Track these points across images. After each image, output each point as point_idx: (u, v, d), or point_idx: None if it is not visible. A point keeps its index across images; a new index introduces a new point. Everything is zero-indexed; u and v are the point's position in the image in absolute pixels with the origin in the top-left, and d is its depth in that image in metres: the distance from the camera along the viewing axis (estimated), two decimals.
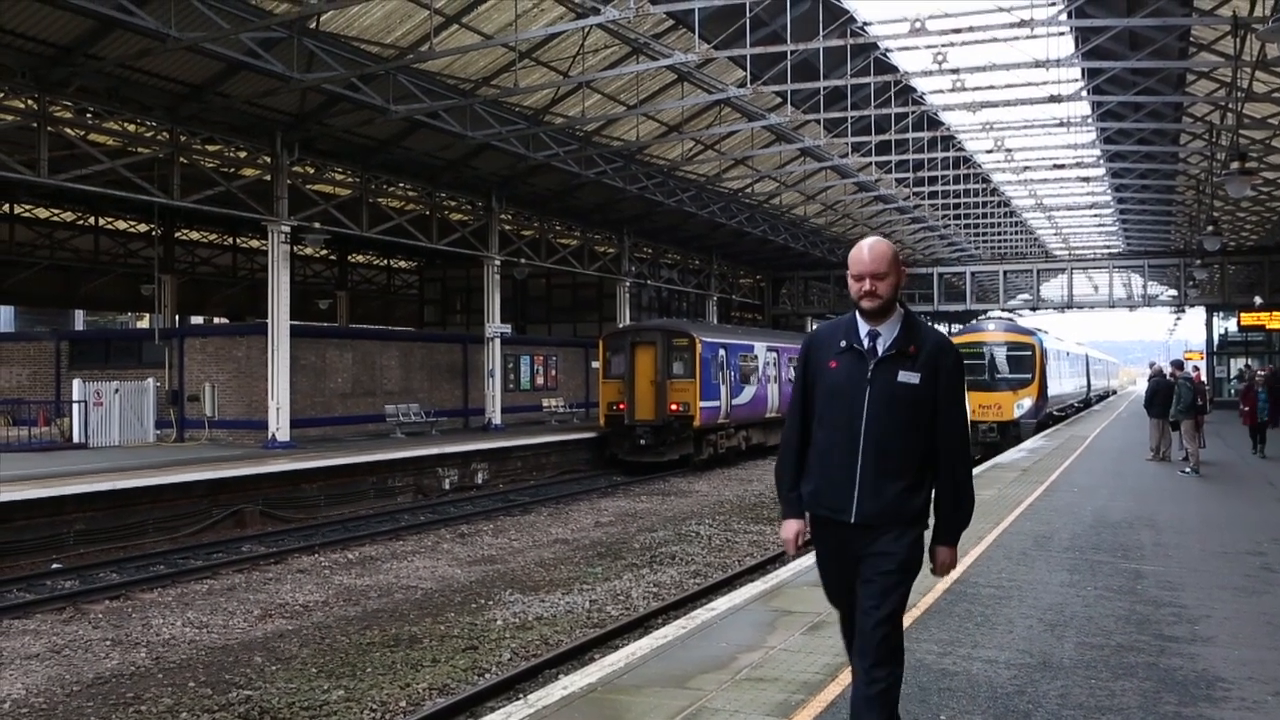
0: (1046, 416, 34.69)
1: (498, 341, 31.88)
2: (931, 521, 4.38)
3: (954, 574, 9.59)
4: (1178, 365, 23.40)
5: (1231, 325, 52.08)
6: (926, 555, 4.38)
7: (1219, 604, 8.65)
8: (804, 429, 4.44)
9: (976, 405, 30.17)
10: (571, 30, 21.53)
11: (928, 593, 8.74)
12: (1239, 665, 6.76)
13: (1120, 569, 10.13)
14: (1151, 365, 27.34)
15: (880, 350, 4.26)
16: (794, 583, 9.59)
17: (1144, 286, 55.06)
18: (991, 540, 11.67)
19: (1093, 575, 9.79)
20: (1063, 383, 39.95)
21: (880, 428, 4.19)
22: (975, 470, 20.57)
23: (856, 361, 4.28)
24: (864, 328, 4.32)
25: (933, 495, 4.35)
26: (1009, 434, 30.37)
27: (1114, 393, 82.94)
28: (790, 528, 4.46)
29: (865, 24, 23.84)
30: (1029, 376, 31.40)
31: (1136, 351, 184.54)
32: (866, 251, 4.29)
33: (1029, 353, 31.78)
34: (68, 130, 21.34)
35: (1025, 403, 30.97)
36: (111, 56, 19.52)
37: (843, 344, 4.32)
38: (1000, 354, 31.86)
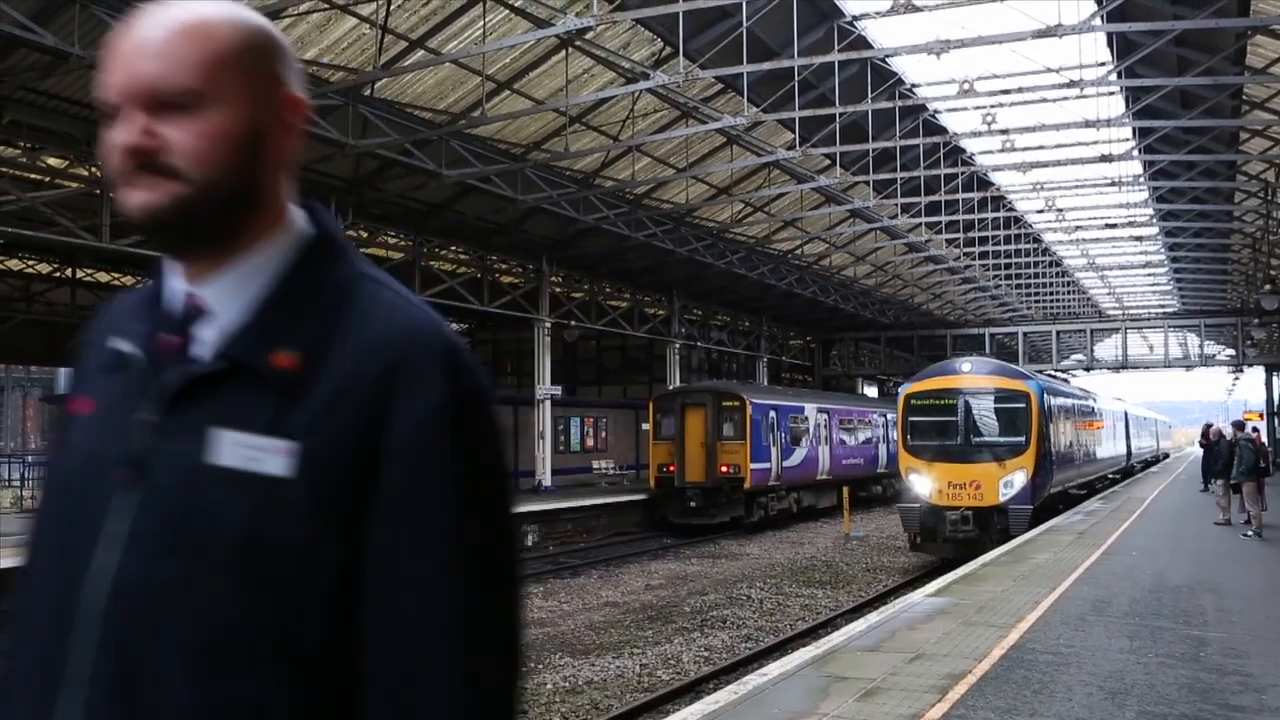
0: (1054, 498, 24.98)
1: (548, 403, 31.97)
2: None
3: (1010, 639, 9.51)
4: (1238, 426, 22.98)
5: None
6: None
7: None
8: None
9: (945, 483, 21.58)
10: (621, 95, 21.81)
11: (983, 659, 8.59)
12: None
13: (1182, 635, 9.90)
14: (1208, 427, 26.72)
15: (193, 350, 1.21)
16: (847, 648, 9.46)
17: (1200, 346, 54.24)
18: (1048, 605, 11.46)
19: (1154, 641, 9.57)
20: (1084, 448, 30.44)
21: (146, 619, 1.11)
22: (1027, 535, 20.03)
23: (120, 393, 1.23)
24: (175, 286, 1.27)
25: None
26: (992, 526, 21.16)
27: (1165, 456, 78.75)
28: None
29: (914, 86, 24.02)
30: (1021, 440, 21.91)
31: (1194, 411, 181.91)
32: (138, 33, 1.18)
33: (1021, 405, 22.28)
34: None
35: (1015, 479, 21.41)
36: None
37: (113, 341, 1.28)
38: (980, 407, 22.62)
